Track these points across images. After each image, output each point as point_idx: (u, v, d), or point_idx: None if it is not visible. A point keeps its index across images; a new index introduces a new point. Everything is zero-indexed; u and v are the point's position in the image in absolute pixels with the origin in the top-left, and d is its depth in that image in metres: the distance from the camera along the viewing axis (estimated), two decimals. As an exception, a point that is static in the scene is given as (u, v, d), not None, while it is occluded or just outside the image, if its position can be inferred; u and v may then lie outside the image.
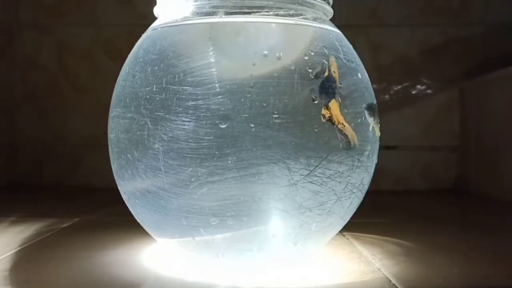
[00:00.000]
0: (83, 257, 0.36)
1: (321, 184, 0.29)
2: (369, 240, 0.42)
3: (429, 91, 0.80)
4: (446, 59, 0.80)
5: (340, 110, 0.30)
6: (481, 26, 0.80)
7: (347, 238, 0.42)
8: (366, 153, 0.32)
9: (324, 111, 0.29)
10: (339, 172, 0.30)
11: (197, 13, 0.32)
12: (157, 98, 0.29)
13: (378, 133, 0.33)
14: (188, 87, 0.29)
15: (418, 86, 0.80)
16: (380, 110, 0.34)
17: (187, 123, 0.28)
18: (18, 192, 0.74)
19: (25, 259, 0.36)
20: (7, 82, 0.78)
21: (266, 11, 0.31)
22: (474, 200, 0.72)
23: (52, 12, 0.80)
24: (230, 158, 0.28)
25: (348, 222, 0.34)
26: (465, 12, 0.80)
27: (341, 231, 0.37)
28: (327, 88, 0.29)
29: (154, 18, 0.36)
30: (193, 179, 0.28)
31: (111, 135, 0.33)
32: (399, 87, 0.80)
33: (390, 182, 0.80)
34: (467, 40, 0.80)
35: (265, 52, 0.29)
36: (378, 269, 0.33)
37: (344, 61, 0.31)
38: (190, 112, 0.28)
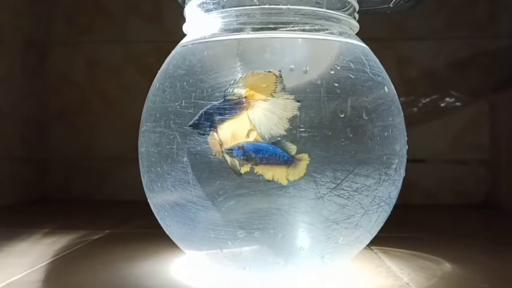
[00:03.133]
0: (113, 269, 0.37)
1: (348, 197, 0.29)
2: (398, 254, 0.41)
3: (457, 104, 0.79)
4: (474, 72, 0.79)
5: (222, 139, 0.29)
6: (509, 39, 0.79)
7: (375, 252, 0.42)
8: (394, 166, 0.32)
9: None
10: (366, 185, 0.30)
11: (225, 30, 0.32)
12: (186, 113, 0.30)
13: (274, 178, 0.28)
14: (216, 102, 0.29)
15: (447, 99, 0.80)
16: (407, 123, 0.34)
17: (215, 137, 0.29)
18: (49, 205, 0.76)
19: (57, 269, 0.36)
20: (40, 99, 0.81)
21: (292, 27, 0.32)
22: (504, 215, 0.70)
23: (83, 29, 0.83)
24: (257, 171, 0.28)
25: (376, 236, 0.34)
26: (492, 24, 0.79)
27: (369, 245, 0.37)
28: (207, 116, 0.29)
29: (182, 35, 0.36)
30: (220, 192, 0.29)
31: (141, 149, 0.33)
32: (427, 100, 0.80)
33: (418, 196, 0.79)
34: (495, 53, 0.79)
35: (292, 66, 0.30)
36: (407, 284, 0.33)
37: (371, 75, 0.31)
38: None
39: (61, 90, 0.83)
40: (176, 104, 0.30)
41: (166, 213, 0.32)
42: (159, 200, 0.32)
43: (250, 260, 0.31)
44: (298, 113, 0.28)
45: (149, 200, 0.34)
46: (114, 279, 0.34)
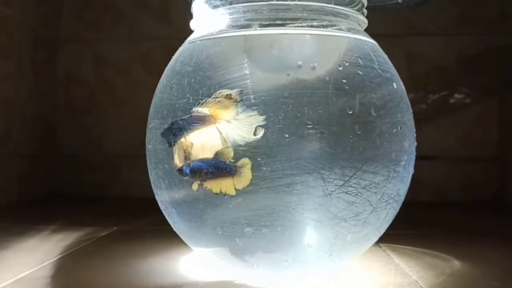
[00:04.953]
0: (121, 265, 0.37)
1: (356, 194, 0.29)
2: (407, 252, 0.41)
3: (467, 100, 0.79)
4: (484, 68, 0.79)
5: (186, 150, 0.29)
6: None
7: (383, 250, 0.42)
8: (402, 163, 0.31)
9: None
10: (375, 182, 0.30)
11: (232, 26, 0.32)
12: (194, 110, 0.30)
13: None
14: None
15: (456, 96, 0.79)
16: (416, 120, 0.34)
17: (222, 134, 0.29)
18: (58, 202, 0.76)
19: (65, 266, 0.37)
20: (48, 96, 0.81)
21: (300, 23, 0.31)
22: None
23: (91, 27, 0.83)
24: (265, 168, 0.28)
25: (385, 233, 0.34)
26: (502, 21, 0.79)
27: (377, 243, 0.37)
28: (176, 127, 0.29)
29: (189, 31, 0.36)
30: (228, 189, 0.29)
31: (149, 146, 0.33)
32: (436, 96, 0.79)
33: (427, 193, 0.78)
34: (505, 49, 0.78)
35: (300, 63, 0.29)
36: (416, 281, 0.33)
37: (379, 71, 0.31)
38: (225, 123, 0.29)
39: (69, 87, 0.83)
40: (184, 101, 0.30)
41: (174, 210, 0.32)
42: (167, 197, 0.32)
43: (257, 257, 0.31)
44: (263, 128, 0.28)
45: (156, 197, 0.34)
46: (121, 275, 0.34)
